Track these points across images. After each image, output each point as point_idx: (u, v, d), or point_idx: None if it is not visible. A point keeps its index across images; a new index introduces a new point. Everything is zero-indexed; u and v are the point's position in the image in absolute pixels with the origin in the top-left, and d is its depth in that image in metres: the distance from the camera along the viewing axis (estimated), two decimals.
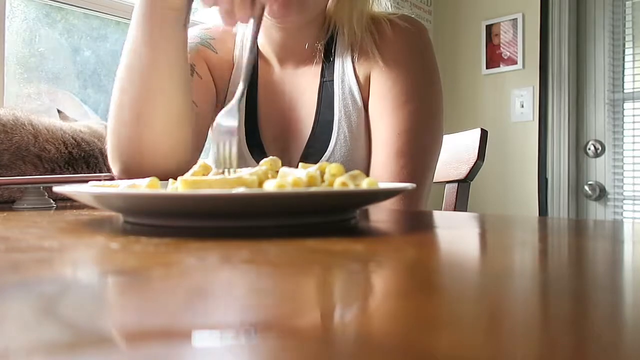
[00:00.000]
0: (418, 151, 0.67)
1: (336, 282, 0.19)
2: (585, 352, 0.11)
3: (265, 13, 0.66)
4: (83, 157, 0.76)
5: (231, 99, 0.74)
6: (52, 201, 0.58)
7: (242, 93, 0.50)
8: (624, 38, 2.12)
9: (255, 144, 0.73)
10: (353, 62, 0.71)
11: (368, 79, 0.71)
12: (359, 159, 0.70)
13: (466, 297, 0.16)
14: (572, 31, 2.18)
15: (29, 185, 0.57)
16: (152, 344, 0.12)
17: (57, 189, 0.34)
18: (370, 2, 0.72)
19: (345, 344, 0.12)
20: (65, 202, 0.64)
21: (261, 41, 0.76)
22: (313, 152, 0.70)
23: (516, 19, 2.26)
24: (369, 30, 0.70)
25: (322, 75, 0.73)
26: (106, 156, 0.80)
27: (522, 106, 2.24)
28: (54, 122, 0.78)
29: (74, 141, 0.76)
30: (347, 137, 0.70)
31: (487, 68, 2.35)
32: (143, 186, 0.33)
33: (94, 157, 0.77)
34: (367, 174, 0.70)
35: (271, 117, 0.74)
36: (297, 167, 0.70)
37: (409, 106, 0.68)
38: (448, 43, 2.45)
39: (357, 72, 0.71)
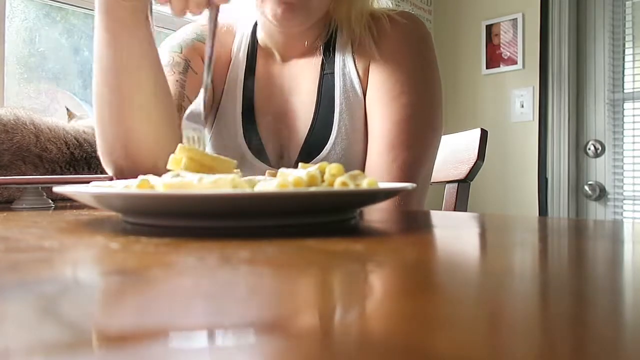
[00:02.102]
0: (411, 143, 0.66)
1: (336, 282, 0.19)
2: (585, 352, 0.11)
3: (270, 17, 0.66)
4: (85, 158, 0.76)
5: (229, 96, 0.75)
6: (50, 201, 0.58)
7: (206, 89, 0.50)
8: (624, 38, 2.12)
9: (252, 137, 0.72)
10: (353, 55, 0.72)
11: (367, 72, 0.71)
12: (359, 151, 0.70)
13: (466, 297, 0.16)
14: (572, 31, 2.18)
15: (27, 186, 0.57)
16: (151, 344, 0.12)
17: (57, 189, 0.34)
18: (370, 0, 0.73)
19: (345, 344, 0.12)
20: (65, 202, 0.64)
21: (262, 37, 0.76)
22: (313, 144, 0.70)
23: (516, 19, 2.26)
24: (368, 27, 0.70)
25: (323, 69, 0.72)
26: None
27: (522, 106, 2.24)
28: (57, 121, 0.78)
29: (76, 142, 0.76)
30: (347, 129, 0.69)
31: (487, 68, 2.35)
32: (134, 186, 0.33)
33: (96, 158, 0.77)
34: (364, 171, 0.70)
35: (268, 110, 0.74)
36: (296, 160, 0.70)
37: (404, 98, 0.67)
38: (448, 43, 2.45)
39: (357, 64, 0.71)
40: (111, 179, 0.60)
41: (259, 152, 0.72)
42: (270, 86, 0.75)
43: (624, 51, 2.12)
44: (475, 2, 2.39)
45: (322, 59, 0.73)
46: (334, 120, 0.70)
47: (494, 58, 2.33)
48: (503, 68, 2.30)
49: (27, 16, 1.43)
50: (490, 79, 2.35)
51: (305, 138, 0.71)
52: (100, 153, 0.61)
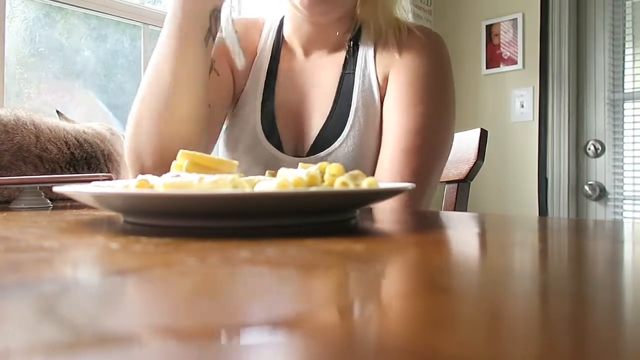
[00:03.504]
0: (424, 150, 0.69)
1: (336, 283, 0.19)
2: (585, 352, 0.11)
3: (298, 4, 0.69)
4: (85, 159, 0.76)
5: (251, 86, 0.76)
6: (48, 201, 0.58)
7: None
8: (624, 38, 2.12)
9: (270, 128, 0.75)
10: (375, 60, 0.75)
11: (386, 78, 0.74)
12: (370, 148, 0.72)
13: (467, 297, 0.16)
14: (572, 31, 2.18)
15: (25, 185, 0.57)
16: (151, 344, 0.12)
17: (57, 189, 0.34)
18: (395, 3, 0.76)
19: (346, 344, 0.12)
20: (65, 202, 0.64)
21: (288, 32, 0.79)
22: (327, 136, 0.73)
23: (516, 19, 2.26)
24: (393, 28, 0.74)
25: (344, 67, 0.76)
26: (108, 158, 0.80)
27: (522, 106, 2.24)
28: (57, 122, 0.78)
29: (76, 142, 0.76)
30: (361, 125, 0.72)
31: (487, 68, 2.35)
32: (132, 186, 0.33)
33: (96, 159, 0.77)
34: (374, 169, 0.72)
35: (288, 103, 0.77)
36: (309, 150, 0.73)
37: (421, 108, 0.70)
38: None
39: (377, 70, 0.74)
40: (110, 178, 0.60)
41: (274, 139, 0.75)
42: (291, 79, 0.78)
43: (624, 51, 2.12)
44: (475, 2, 2.39)
45: (345, 57, 0.76)
46: (350, 116, 0.73)
47: (494, 58, 2.33)
48: (503, 68, 2.30)
49: (27, 16, 1.43)
50: (490, 79, 2.35)
51: (320, 130, 0.74)
52: (129, 151, 0.64)
